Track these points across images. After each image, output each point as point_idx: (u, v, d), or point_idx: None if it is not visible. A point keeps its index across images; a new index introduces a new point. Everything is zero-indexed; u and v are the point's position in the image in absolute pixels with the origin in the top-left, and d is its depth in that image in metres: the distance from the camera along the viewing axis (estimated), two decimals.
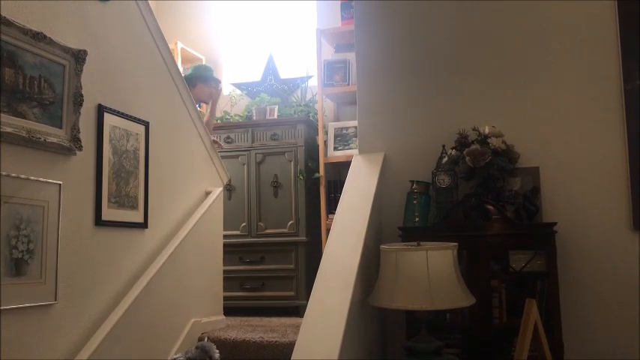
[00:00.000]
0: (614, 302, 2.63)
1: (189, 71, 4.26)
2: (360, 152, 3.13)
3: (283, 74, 5.05)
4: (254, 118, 4.78)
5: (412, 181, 2.83)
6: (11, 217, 2.07)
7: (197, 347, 2.79)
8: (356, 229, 2.55)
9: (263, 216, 4.41)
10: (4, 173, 2.04)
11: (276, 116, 4.71)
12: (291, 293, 4.24)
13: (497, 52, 2.95)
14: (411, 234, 2.58)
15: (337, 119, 4.71)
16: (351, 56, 3.90)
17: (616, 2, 2.77)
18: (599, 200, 2.72)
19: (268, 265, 4.32)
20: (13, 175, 2.08)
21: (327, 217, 4.25)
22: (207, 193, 3.45)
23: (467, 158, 2.64)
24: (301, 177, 4.34)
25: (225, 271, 3.62)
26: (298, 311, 4.05)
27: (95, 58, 2.50)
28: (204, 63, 5.11)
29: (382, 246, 2.33)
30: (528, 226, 2.63)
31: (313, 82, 4.81)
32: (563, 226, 2.62)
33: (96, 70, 2.52)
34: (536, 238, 2.57)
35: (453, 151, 2.75)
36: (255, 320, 3.77)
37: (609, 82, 2.75)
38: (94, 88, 2.50)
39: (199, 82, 4.19)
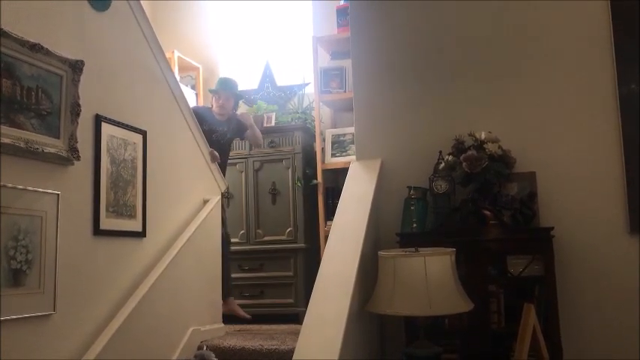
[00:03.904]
0: (613, 306, 2.64)
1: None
2: (358, 158, 3.14)
3: (280, 82, 5.06)
4: None
5: (409, 187, 2.84)
6: (9, 227, 2.07)
7: (196, 356, 2.79)
8: (354, 235, 2.56)
9: (261, 223, 4.41)
10: (1, 184, 2.04)
11: (273, 124, 4.72)
12: (290, 300, 4.24)
13: (493, 58, 2.96)
14: (409, 240, 2.58)
15: (334, 126, 4.72)
16: (347, 63, 3.91)
17: (609, 6, 2.79)
18: (595, 204, 2.73)
19: (267, 273, 4.33)
20: (11, 185, 2.08)
21: (326, 223, 4.25)
22: (205, 202, 3.45)
23: (463, 164, 2.66)
24: (299, 184, 4.34)
25: None
26: (297, 318, 4.04)
27: (92, 68, 2.51)
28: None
29: (380, 252, 2.33)
30: (525, 231, 2.64)
31: (310, 90, 4.82)
32: (561, 230, 2.62)
33: (93, 80, 2.53)
34: (533, 242, 2.58)
35: (450, 157, 2.76)
36: (255, 327, 3.76)
37: (604, 87, 2.77)
38: (91, 97, 2.50)
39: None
